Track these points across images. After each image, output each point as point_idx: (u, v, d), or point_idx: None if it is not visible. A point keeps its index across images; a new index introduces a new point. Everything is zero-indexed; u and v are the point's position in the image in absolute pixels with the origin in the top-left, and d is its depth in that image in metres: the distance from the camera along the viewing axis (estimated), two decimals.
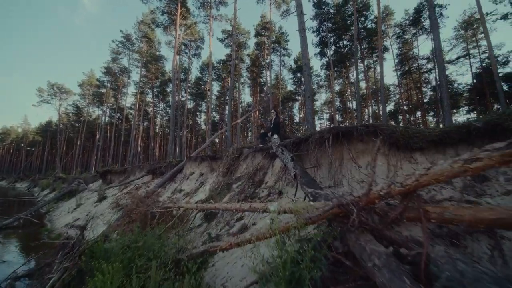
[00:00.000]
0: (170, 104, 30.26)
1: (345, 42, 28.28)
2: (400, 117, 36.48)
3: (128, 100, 42.95)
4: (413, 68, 30.87)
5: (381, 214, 1.81)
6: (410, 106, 34.23)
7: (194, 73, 40.93)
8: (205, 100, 41.63)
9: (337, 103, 39.58)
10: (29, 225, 11.41)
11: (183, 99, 37.36)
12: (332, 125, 36.31)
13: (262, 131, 8.23)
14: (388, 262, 1.49)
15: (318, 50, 29.17)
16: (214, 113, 43.35)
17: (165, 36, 29.07)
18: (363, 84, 33.93)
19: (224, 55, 38.19)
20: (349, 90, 35.91)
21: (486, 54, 26.85)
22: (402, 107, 32.58)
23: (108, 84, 40.45)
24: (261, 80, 37.39)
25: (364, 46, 27.21)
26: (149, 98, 41.77)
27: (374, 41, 26.49)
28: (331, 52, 28.12)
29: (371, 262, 1.57)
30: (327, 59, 29.39)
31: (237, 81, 32.06)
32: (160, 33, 28.49)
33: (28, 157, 67.39)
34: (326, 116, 50.42)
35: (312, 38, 27.22)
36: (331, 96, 39.83)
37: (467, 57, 28.06)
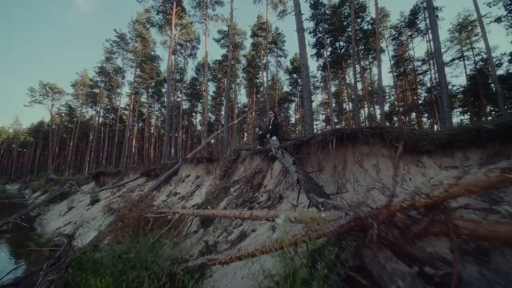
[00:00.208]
0: (165, 104, 29.79)
1: (341, 43, 28.31)
2: (395, 118, 36.74)
3: (123, 101, 42.35)
4: (408, 69, 31.08)
5: (401, 228, 1.62)
6: (405, 108, 34.46)
7: (190, 73, 40.62)
8: (201, 100, 41.28)
9: (333, 104, 39.63)
10: (18, 229, 11.00)
11: (178, 99, 36.97)
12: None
13: (260, 133, 8.02)
14: (414, 285, 1.29)
15: (314, 51, 29.16)
16: (210, 114, 43.01)
17: (160, 35, 28.69)
18: (359, 86, 33.99)
19: (220, 55, 37.96)
20: (345, 91, 35.98)
21: (480, 57, 27.21)
22: (398, 109, 32.74)
23: (102, 84, 39.79)
24: (258, 81, 37.24)
25: (360, 47, 27.27)
26: (143, 98, 41.24)
27: (370, 42, 26.57)
28: (328, 53, 28.12)
29: (394, 284, 1.37)
30: (323, 60, 29.40)
31: (233, 82, 31.82)
32: (155, 33, 28.12)
33: (20, 158, 66.01)
34: (322, 117, 50.48)
35: (308, 39, 27.15)
36: (327, 97, 39.91)
37: (461, 59, 28.35)
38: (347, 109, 38.85)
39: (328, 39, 27.65)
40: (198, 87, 39.99)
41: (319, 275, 1.58)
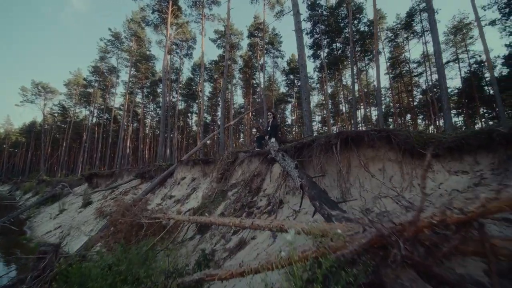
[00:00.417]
0: (160, 105, 29.41)
1: (338, 44, 28.32)
2: (390, 120, 36.88)
3: (117, 101, 41.67)
4: (404, 71, 31.24)
5: (427, 246, 1.43)
6: (400, 109, 34.62)
7: (186, 73, 40.22)
8: (197, 101, 40.92)
9: (329, 106, 39.66)
10: (7, 233, 10.63)
11: (174, 100, 36.56)
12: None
13: (258, 135, 7.81)
14: None
15: (311, 52, 29.09)
16: (205, 114, 42.65)
17: (155, 35, 28.38)
18: (355, 87, 34.07)
19: (217, 55, 37.62)
20: (341, 93, 36.02)
21: (474, 59, 27.48)
22: (395, 110, 32.89)
23: (96, 84, 39.13)
24: (254, 81, 37.05)
25: (357, 49, 27.31)
26: (138, 98, 40.69)
27: (367, 44, 26.62)
28: (325, 54, 28.09)
29: None
30: (320, 61, 29.37)
31: (229, 82, 31.59)
32: (151, 32, 27.64)
33: (11, 158, 64.62)
34: (318, 118, 50.51)
35: (305, 40, 27.06)
36: (323, 99, 39.94)
37: (456, 61, 28.59)
38: (343, 111, 38.92)
39: (325, 40, 27.62)
40: (194, 87, 39.63)
41: None
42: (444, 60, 29.55)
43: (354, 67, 26.61)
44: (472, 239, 1.34)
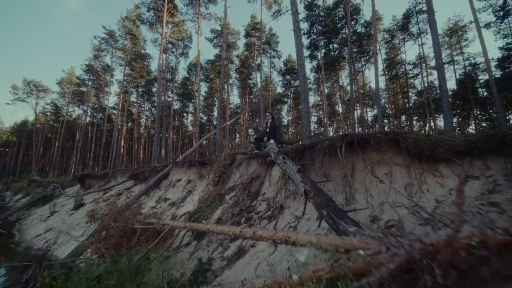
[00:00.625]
0: (155, 104, 28.96)
1: (335, 45, 28.29)
2: (386, 121, 37.05)
3: (111, 100, 40.95)
4: (400, 73, 31.40)
5: (461, 269, 1.25)
6: (396, 111, 34.81)
7: (181, 73, 39.85)
8: (193, 101, 40.54)
9: (326, 106, 39.66)
10: None
11: (169, 99, 36.12)
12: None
13: (256, 136, 7.60)
14: None
15: (308, 52, 29.02)
16: (201, 114, 42.28)
17: (151, 33, 27.93)
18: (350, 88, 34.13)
19: (213, 55, 37.36)
20: (338, 93, 36.06)
21: (469, 61, 27.74)
22: (392, 111, 33.06)
23: (90, 83, 38.41)
24: (250, 81, 36.84)
25: (353, 50, 27.33)
26: (133, 98, 40.11)
27: (363, 45, 26.66)
28: (321, 55, 28.05)
29: None
30: (317, 62, 29.32)
31: (226, 82, 31.31)
32: (146, 30, 27.17)
33: (1, 158, 63.20)
34: (314, 119, 50.56)
35: (303, 40, 26.99)
36: (319, 99, 39.95)
37: (451, 63, 28.82)
38: (339, 111, 38.98)
39: (322, 41, 27.57)
40: (189, 87, 39.24)
41: None
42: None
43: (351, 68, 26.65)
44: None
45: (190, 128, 48.25)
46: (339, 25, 25.91)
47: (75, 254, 5.27)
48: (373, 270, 1.23)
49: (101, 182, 15.64)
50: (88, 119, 42.42)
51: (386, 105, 35.18)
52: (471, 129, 32.32)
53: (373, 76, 16.26)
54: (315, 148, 4.13)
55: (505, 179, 2.91)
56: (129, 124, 43.34)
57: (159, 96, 21.37)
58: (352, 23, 24.85)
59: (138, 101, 41.35)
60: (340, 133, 42.91)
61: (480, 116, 30.32)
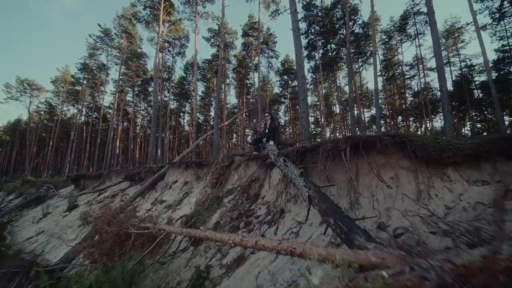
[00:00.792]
0: (151, 104, 28.60)
1: (333, 46, 28.26)
2: (382, 122, 37.19)
3: (107, 99, 40.70)
4: (396, 74, 31.51)
5: None
6: (392, 111, 34.94)
7: (178, 72, 39.53)
8: (189, 100, 40.23)
9: (323, 107, 39.66)
10: None
11: (166, 99, 35.79)
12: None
13: (255, 137, 7.45)
14: None
15: (306, 53, 28.95)
16: (198, 114, 41.98)
17: (147, 32, 27.55)
18: (347, 89, 34.21)
19: (210, 54, 37.05)
20: (335, 94, 36.07)
21: (465, 63, 27.92)
22: (388, 112, 33.16)
23: (85, 82, 37.85)
24: (248, 81, 36.67)
25: (351, 50, 27.34)
26: (129, 97, 39.66)
27: (361, 46, 26.68)
28: (319, 55, 27.99)
29: None
30: (315, 62, 29.26)
31: (223, 82, 31.10)
32: (142, 29, 26.94)
33: None
34: (311, 119, 50.56)
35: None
36: (316, 100, 39.90)
37: (447, 65, 28.96)
38: (336, 112, 39.00)
39: (320, 41, 27.51)
40: (186, 86, 38.93)
41: None
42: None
43: (347, 69, 26.64)
44: None
45: (186, 128, 47.94)
46: (337, 25, 25.89)
47: (66, 260, 5.06)
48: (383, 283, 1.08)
49: (96, 182, 15.35)
50: (83, 118, 41.89)
51: (383, 106, 35.29)
52: (467, 130, 32.60)
53: (370, 77, 16.25)
54: (317, 151, 3.99)
55: None
56: (125, 124, 42.85)
57: (155, 96, 21.09)
58: (350, 23, 24.83)
59: (134, 101, 40.92)
60: (337, 134, 43.01)
61: (475, 118, 30.56)
